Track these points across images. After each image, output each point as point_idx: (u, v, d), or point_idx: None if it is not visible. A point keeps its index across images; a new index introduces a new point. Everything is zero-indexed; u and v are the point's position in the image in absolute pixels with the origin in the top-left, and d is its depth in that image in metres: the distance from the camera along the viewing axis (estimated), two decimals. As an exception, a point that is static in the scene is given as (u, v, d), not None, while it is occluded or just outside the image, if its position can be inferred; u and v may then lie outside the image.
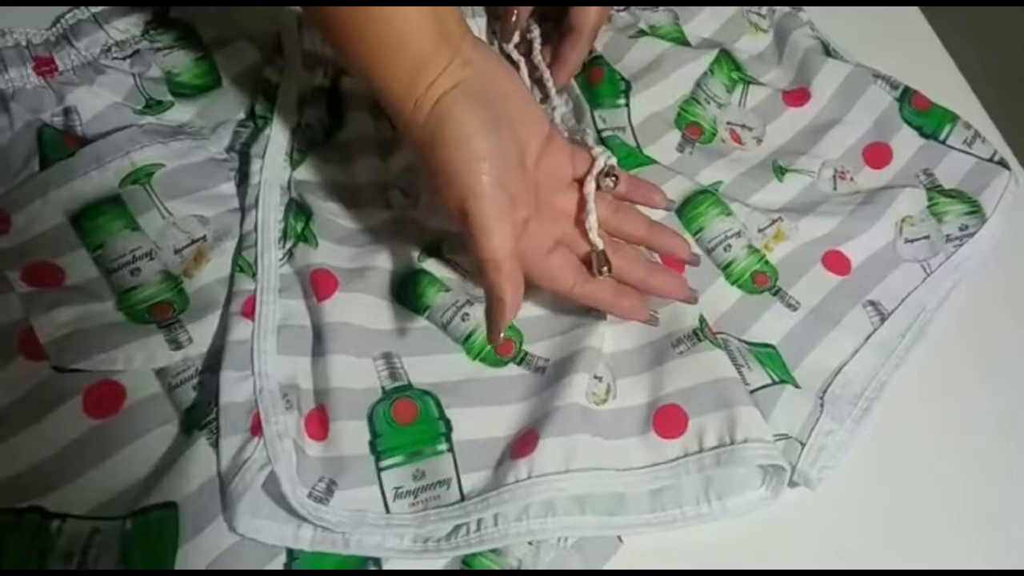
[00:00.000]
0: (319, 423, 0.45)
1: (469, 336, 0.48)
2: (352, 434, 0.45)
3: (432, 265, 0.50)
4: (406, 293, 0.49)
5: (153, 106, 0.52)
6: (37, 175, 0.48)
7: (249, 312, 0.46)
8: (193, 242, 0.48)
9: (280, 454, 0.42)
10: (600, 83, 0.57)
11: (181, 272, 0.48)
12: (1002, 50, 1.37)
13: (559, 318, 0.49)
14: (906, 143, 0.58)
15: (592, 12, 0.55)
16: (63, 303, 0.45)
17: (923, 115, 0.59)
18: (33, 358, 0.44)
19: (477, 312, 0.49)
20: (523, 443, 0.44)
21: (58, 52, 0.51)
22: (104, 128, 0.50)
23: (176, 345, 0.45)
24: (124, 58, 0.52)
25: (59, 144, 0.49)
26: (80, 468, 0.42)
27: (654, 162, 0.55)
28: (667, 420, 0.45)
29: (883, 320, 0.51)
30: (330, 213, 0.51)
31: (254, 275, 0.47)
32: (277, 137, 0.52)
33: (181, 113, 0.52)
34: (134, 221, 0.48)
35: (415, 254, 0.50)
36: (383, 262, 0.50)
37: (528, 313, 0.49)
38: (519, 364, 0.48)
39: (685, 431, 0.44)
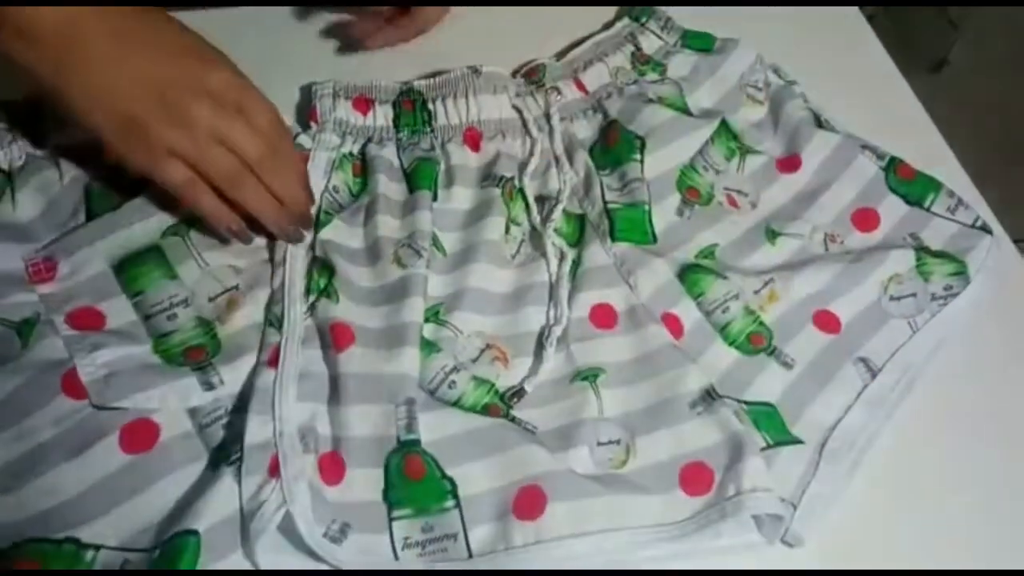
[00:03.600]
0: (334, 468, 0.47)
1: (457, 401, 0.50)
2: (367, 481, 0.47)
3: (428, 329, 0.52)
4: None
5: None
6: (83, 226, 0.51)
7: (274, 362, 0.48)
8: (226, 291, 0.51)
9: (297, 496, 0.44)
10: (617, 144, 0.61)
11: (214, 318, 0.50)
12: (985, 115, 1.43)
13: (540, 389, 0.51)
14: (892, 210, 0.61)
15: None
16: (104, 345, 0.48)
17: (908, 184, 0.62)
18: (74, 396, 0.46)
19: (463, 379, 0.51)
20: (528, 502, 0.46)
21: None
22: (146, 183, 0.53)
23: (208, 386, 0.48)
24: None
25: (105, 197, 0.53)
26: (114, 501, 0.44)
27: (654, 240, 0.57)
28: (694, 477, 0.47)
29: (873, 376, 0.53)
30: (350, 273, 0.53)
31: (280, 328, 0.50)
32: None
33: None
34: (173, 270, 0.51)
35: (421, 317, 0.52)
36: (395, 320, 0.51)
37: (511, 382, 0.51)
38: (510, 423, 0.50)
39: (711, 487, 0.47)
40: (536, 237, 0.57)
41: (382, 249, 0.54)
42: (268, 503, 0.44)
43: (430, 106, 0.61)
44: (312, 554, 0.44)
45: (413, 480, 0.46)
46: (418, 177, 0.58)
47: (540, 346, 0.52)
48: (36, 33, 0.44)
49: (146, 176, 0.49)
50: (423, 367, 0.50)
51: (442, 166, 0.59)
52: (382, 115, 0.60)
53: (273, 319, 0.51)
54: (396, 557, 0.45)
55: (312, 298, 0.52)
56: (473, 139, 0.61)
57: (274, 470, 0.45)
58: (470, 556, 0.45)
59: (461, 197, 0.59)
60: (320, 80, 0.61)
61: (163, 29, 0.48)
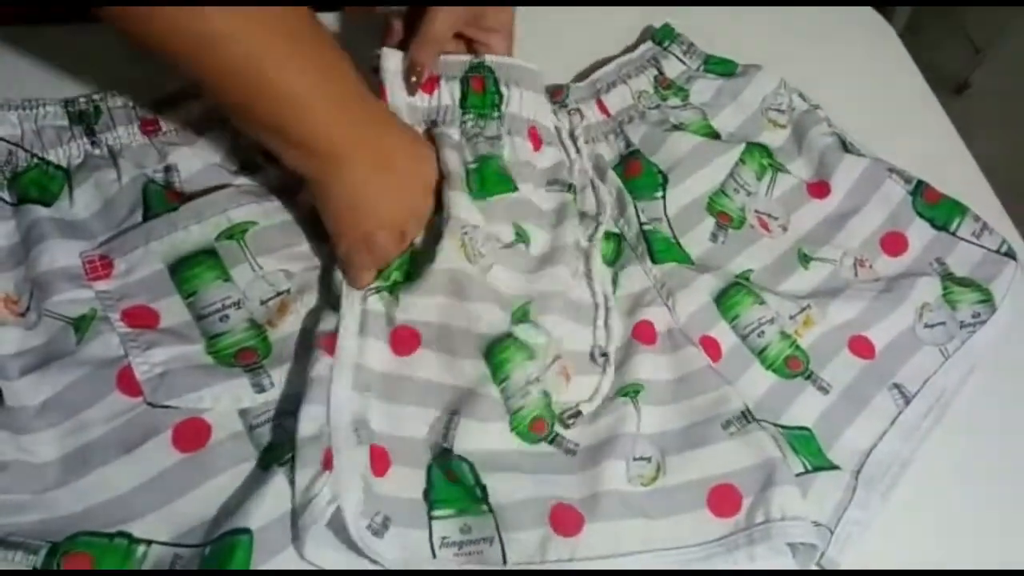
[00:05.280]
0: (381, 460, 0.47)
1: (518, 411, 0.50)
2: (410, 480, 0.47)
3: (522, 331, 0.52)
4: (493, 355, 0.50)
5: (247, 167, 0.56)
6: (140, 225, 0.52)
7: (330, 347, 0.48)
8: (278, 294, 0.52)
9: (350, 487, 0.45)
10: (639, 176, 0.61)
11: (265, 321, 0.51)
12: (1006, 139, 1.44)
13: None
14: (919, 233, 0.62)
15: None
16: (158, 344, 0.49)
17: (934, 208, 0.63)
18: (129, 393, 0.47)
19: (536, 390, 0.51)
20: (565, 520, 0.46)
21: (162, 114, 0.56)
22: (201, 185, 0.54)
23: (259, 388, 0.49)
24: (222, 122, 0.56)
25: (162, 198, 0.53)
26: (166, 498, 0.45)
27: (691, 261, 0.58)
28: (721, 499, 0.48)
29: (907, 402, 0.54)
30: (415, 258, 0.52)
31: (338, 311, 0.50)
32: None
33: (272, 175, 0.56)
34: (226, 272, 0.52)
35: (505, 315, 0.51)
36: (470, 321, 0.51)
37: (564, 398, 0.52)
38: (550, 443, 0.50)
39: (739, 510, 0.48)
40: (579, 254, 0.57)
41: (452, 230, 0.51)
42: (320, 497, 0.44)
43: (503, 89, 0.58)
44: (354, 547, 0.44)
45: (452, 482, 0.47)
46: (490, 179, 0.55)
47: (593, 365, 0.53)
48: (320, 151, 0.48)
49: (341, 267, 0.52)
50: (512, 373, 0.50)
51: (508, 158, 0.57)
52: (448, 93, 0.57)
53: (334, 300, 0.51)
54: (434, 555, 0.46)
55: (375, 284, 0.50)
56: (535, 138, 0.59)
57: (328, 462, 0.45)
58: (504, 562, 0.45)
59: (536, 196, 0.57)
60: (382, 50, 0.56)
61: (412, 161, 0.53)
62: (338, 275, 0.51)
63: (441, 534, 0.46)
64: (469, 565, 0.46)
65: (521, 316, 0.52)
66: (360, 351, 0.49)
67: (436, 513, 0.47)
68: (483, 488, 0.47)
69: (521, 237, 0.55)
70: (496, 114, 0.57)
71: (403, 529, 0.46)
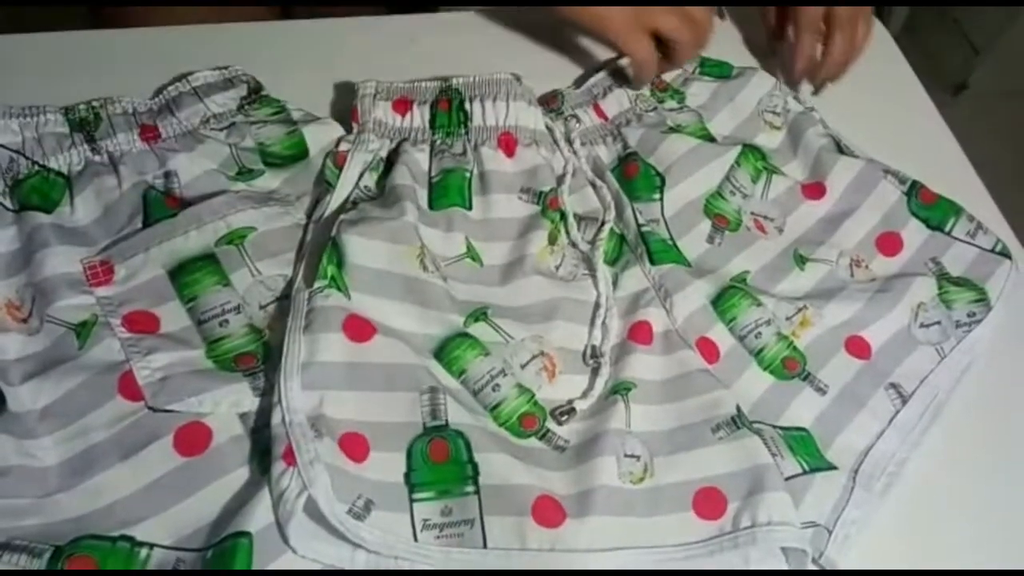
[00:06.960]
0: (358, 445, 0.47)
1: (496, 406, 0.51)
2: (389, 464, 0.47)
3: (477, 329, 0.53)
4: (443, 355, 0.51)
5: (245, 174, 0.57)
6: (140, 231, 0.53)
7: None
8: (277, 299, 0.53)
9: (315, 478, 0.44)
10: (636, 178, 0.61)
11: (265, 326, 0.52)
12: (1002, 140, 1.44)
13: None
14: (914, 234, 0.63)
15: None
16: (159, 349, 0.49)
17: (929, 208, 0.63)
18: (130, 398, 0.48)
19: (508, 384, 0.51)
20: (547, 511, 0.46)
21: (161, 121, 0.56)
22: (200, 192, 0.55)
23: (260, 392, 0.49)
24: (221, 129, 0.57)
25: (162, 204, 0.54)
26: (167, 502, 0.46)
27: (688, 263, 0.59)
28: (707, 502, 0.48)
29: (904, 402, 0.54)
30: (364, 254, 0.52)
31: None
32: (335, 203, 0.56)
33: (270, 181, 0.57)
34: (226, 277, 0.52)
35: (456, 319, 0.53)
36: (418, 325, 0.52)
37: (552, 395, 0.52)
38: (540, 439, 0.51)
39: (724, 514, 0.48)
40: (578, 255, 0.58)
41: (405, 235, 0.53)
42: (289, 490, 0.44)
43: (467, 106, 0.60)
44: (336, 533, 0.44)
45: (436, 463, 0.47)
46: (448, 191, 0.57)
47: (584, 364, 0.54)
48: None
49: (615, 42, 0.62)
50: (470, 367, 0.51)
51: (475, 171, 0.59)
52: (419, 116, 0.60)
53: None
54: (415, 538, 0.46)
55: (318, 284, 0.51)
56: (508, 144, 0.60)
57: (288, 456, 0.45)
58: (484, 546, 0.45)
59: (500, 206, 0.58)
60: (363, 80, 0.60)
61: None
62: (298, 281, 0.52)
63: (423, 517, 0.46)
64: (450, 548, 0.46)
65: (479, 316, 0.53)
66: (310, 349, 0.49)
67: (417, 496, 0.47)
68: (475, 466, 0.47)
69: (470, 252, 0.56)
70: (463, 131, 0.60)
71: (385, 512, 0.46)
